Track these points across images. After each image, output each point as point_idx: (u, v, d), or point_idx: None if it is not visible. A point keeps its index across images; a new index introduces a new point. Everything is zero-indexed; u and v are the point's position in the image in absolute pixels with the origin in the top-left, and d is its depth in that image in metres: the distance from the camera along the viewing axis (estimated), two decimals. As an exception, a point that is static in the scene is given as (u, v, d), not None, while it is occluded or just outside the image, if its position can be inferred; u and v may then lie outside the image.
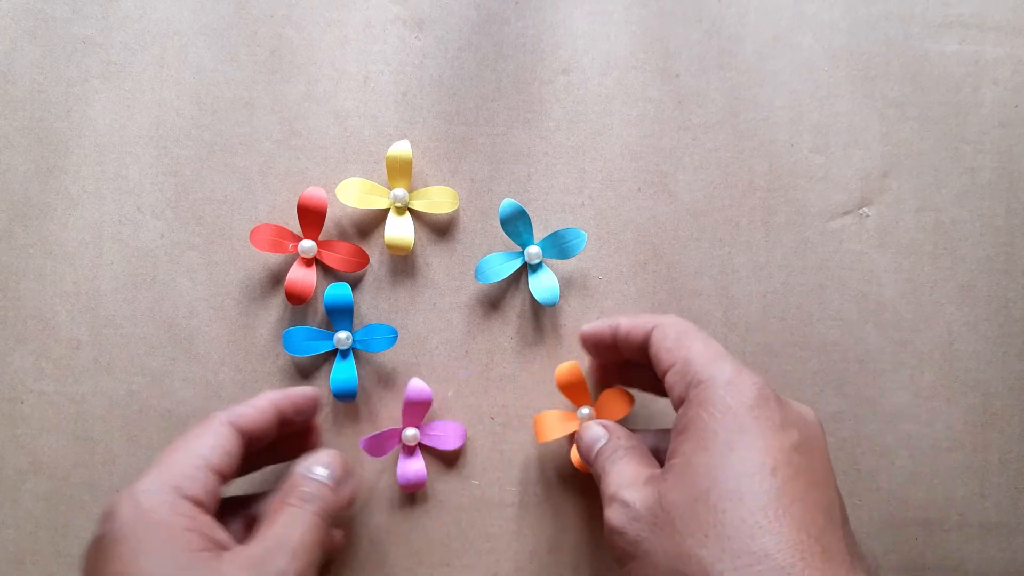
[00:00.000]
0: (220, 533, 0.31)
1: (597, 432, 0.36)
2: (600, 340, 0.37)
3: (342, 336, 0.39)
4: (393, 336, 0.39)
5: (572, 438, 0.39)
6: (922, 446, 0.40)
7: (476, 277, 0.39)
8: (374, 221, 0.41)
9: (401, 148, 0.39)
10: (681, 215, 0.41)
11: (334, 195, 0.40)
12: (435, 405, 0.40)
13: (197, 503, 0.31)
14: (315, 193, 0.39)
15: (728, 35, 0.41)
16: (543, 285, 0.39)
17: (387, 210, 0.40)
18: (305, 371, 0.40)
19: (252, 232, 0.39)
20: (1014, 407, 0.40)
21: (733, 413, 0.29)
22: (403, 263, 0.41)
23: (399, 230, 0.40)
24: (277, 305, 0.40)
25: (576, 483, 0.40)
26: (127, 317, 0.40)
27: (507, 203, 0.39)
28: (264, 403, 0.35)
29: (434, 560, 0.39)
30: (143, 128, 0.41)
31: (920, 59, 0.41)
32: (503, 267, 0.39)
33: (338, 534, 0.37)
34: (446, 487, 0.40)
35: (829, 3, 0.41)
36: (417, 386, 0.39)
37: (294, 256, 0.40)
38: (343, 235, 0.41)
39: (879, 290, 0.41)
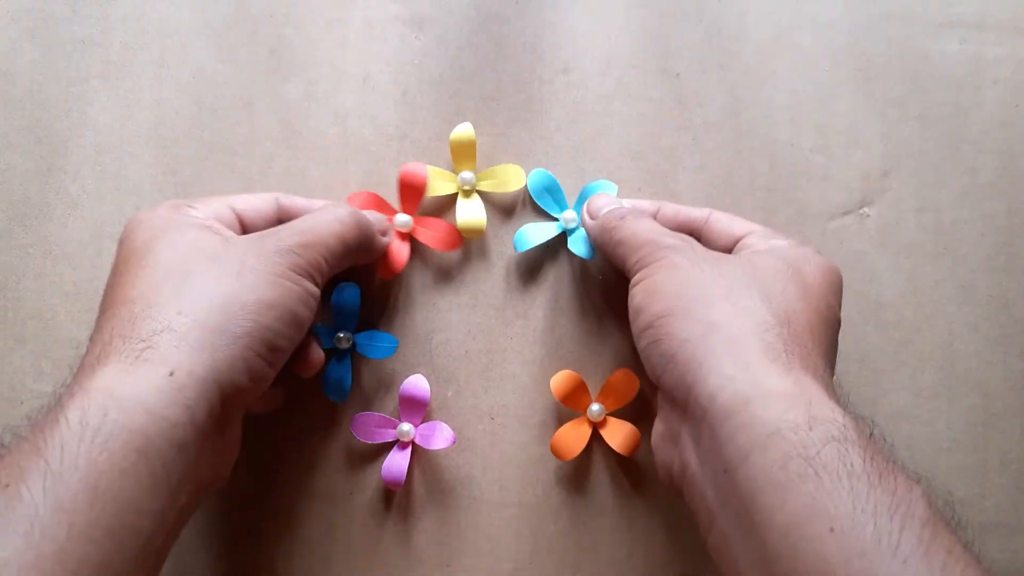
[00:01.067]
0: (231, 232, 0.33)
1: (609, 197, 0.38)
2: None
3: (342, 336, 0.39)
4: (393, 347, 0.39)
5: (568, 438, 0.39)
6: (922, 446, 0.40)
7: (516, 247, 0.39)
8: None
9: (464, 130, 0.39)
10: (681, 215, 0.41)
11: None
12: (435, 404, 0.40)
13: (207, 218, 0.33)
14: (416, 168, 0.39)
15: (728, 35, 0.41)
16: (581, 243, 0.39)
17: (455, 195, 0.40)
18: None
19: (350, 198, 0.39)
20: (1014, 407, 0.40)
21: (810, 263, 0.32)
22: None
23: (471, 213, 0.40)
24: (277, 305, 0.40)
25: (576, 483, 0.40)
26: (127, 317, 0.40)
27: (537, 173, 0.39)
28: (318, 202, 0.37)
29: (434, 560, 0.39)
30: (143, 128, 0.41)
31: (921, 59, 0.41)
32: (541, 234, 0.40)
33: (279, 393, 0.37)
34: (445, 487, 0.40)
35: (829, 3, 0.41)
36: (414, 383, 0.39)
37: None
38: None
39: (879, 290, 0.41)
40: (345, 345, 0.39)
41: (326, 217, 0.34)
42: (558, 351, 0.40)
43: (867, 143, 0.41)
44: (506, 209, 0.41)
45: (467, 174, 0.40)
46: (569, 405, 0.39)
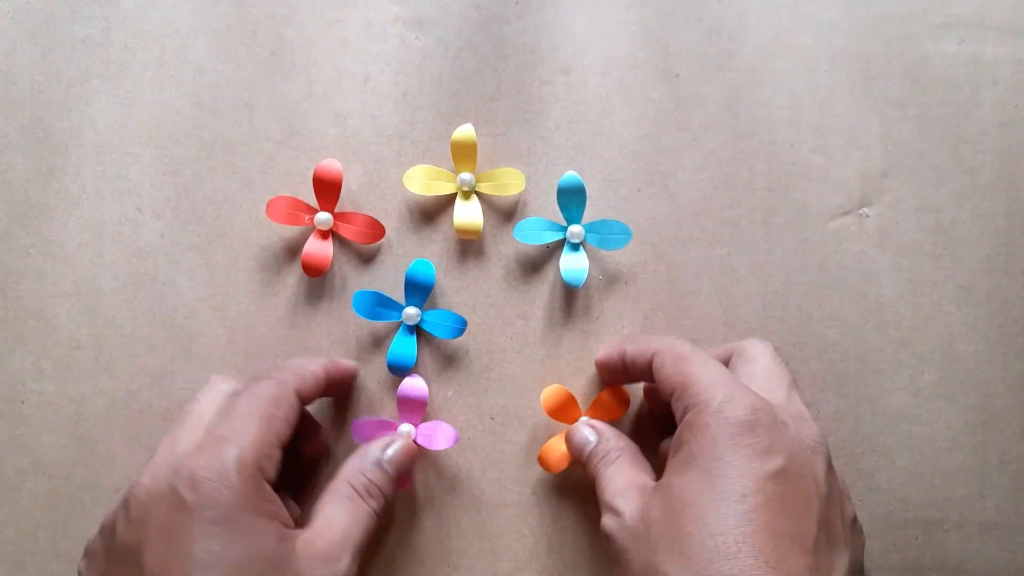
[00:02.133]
0: (285, 513, 0.32)
1: (586, 434, 0.37)
2: (613, 365, 0.38)
3: (411, 312, 0.39)
4: (461, 328, 0.39)
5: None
6: (922, 446, 0.40)
7: (515, 235, 0.39)
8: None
9: (465, 132, 0.39)
10: (681, 215, 0.41)
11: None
12: (435, 404, 0.40)
13: (271, 484, 0.31)
14: (330, 165, 0.39)
15: (728, 35, 0.41)
16: (574, 265, 0.39)
17: (454, 195, 0.40)
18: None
19: (269, 204, 0.39)
20: (1014, 407, 0.40)
21: (714, 440, 0.30)
22: (398, 263, 0.41)
23: (469, 214, 0.40)
24: (277, 305, 0.40)
25: (576, 483, 0.40)
26: (127, 317, 0.40)
27: (569, 176, 0.39)
28: (321, 373, 0.36)
29: (434, 560, 0.39)
30: (143, 128, 0.41)
31: (920, 59, 0.41)
32: (543, 234, 0.40)
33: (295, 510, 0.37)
34: (445, 487, 0.40)
35: (829, 3, 0.41)
36: (412, 384, 0.39)
37: (309, 230, 0.40)
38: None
39: (879, 290, 0.41)
40: (413, 321, 0.39)
41: (360, 524, 0.33)
42: (558, 351, 0.40)
43: (866, 143, 0.41)
44: (505, 211, 0.41)
45: (467, 175, 0.40)
46: (558, 419, 0.39)
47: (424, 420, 0.39)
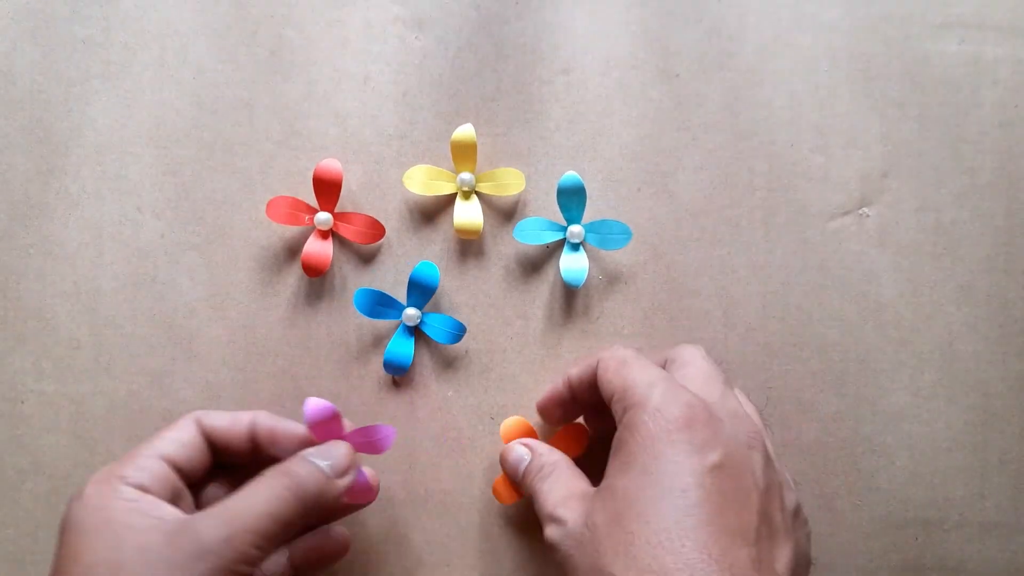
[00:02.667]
0: (165, 509, 0.31)
1: (520, 452, 0.37)
2: (559, 399, 0.38)
3: (412, 313, 0.39)
4: (460, 333, 0.39)
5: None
6: (922, 446, 0.40)
7: (515, 235, 0.39)
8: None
9: (465, 132, 0.39)
10: (681, 215, 0.41)
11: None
12: (435, 404, 0.40)
13: (140, 488, 0.31)
14: (331, 165, 0.39)
15: (728, 35, 0.41)
16: (574, 265, 0.39)
17: (454, 195, 0.40)
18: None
19: (269, 204, 0.39)
20: (1014, 407, 0.40)
21: (652, 438, 0.30)
22: (398, 263, 0.41)
23: (469, 214, 0.40)
24: (277, 305, 0.40)
25: (576, 483, 0.40)
26: (127, 317, 0.40)
27: (569, 176, 0.39)
28: (244, 418, 0.35)
29: (434, 560, 0.39)
30: (143, 128, 0.41)
31: (920, 59, 0.41)
32: (543, 234, 0.40)
33: (341, 534, 0.35)
34: (445, 487, 0.40)
35: (829, 3, 0.41)
36: (313, 405, 0.34)
37: (309, 230, 0.40)
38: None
39: (879, 290, 0.41)
40: (413, 322, 0.39)
41: (260, 496, 0.31)
42: (558, 351, 0.40)
43: (866, 143, 0.41)
44: (505, 211, 0.41)
45: (466, 175, 0.40)
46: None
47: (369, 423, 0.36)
